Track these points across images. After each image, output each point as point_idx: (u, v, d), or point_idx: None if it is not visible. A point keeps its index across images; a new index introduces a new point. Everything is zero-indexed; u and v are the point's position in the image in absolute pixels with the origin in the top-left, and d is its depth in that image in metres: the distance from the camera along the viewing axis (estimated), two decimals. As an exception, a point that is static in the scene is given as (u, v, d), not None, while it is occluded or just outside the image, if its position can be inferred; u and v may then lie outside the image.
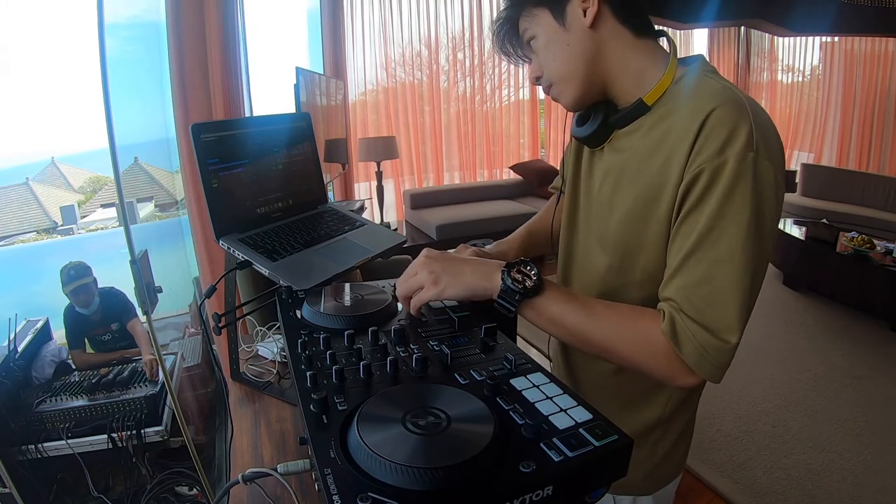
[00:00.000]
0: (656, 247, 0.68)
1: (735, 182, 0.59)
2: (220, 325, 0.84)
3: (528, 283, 0.63)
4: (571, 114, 0.81)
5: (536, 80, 0.75)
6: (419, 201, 4.57)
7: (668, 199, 0.65)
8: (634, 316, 0.65)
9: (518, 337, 1.44)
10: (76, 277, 2.04)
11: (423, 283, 0.65)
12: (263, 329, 1.26)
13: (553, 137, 5.70)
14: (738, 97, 0.62)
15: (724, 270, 0.59)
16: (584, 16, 0.67)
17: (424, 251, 0.68)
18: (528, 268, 0.64)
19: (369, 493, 0.37)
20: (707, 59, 0.73)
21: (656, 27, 0.72)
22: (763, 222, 0.60)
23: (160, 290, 1.70)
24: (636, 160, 0.70)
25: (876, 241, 3.46)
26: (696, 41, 6.26)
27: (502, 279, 0.63)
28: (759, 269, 0.61)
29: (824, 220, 3.97)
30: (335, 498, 0.37)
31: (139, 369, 1.97)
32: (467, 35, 5.03)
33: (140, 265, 1.46)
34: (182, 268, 2.37)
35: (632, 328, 0.64)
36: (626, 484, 0.83)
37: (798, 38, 6.21)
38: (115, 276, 2.17)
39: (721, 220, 0.59)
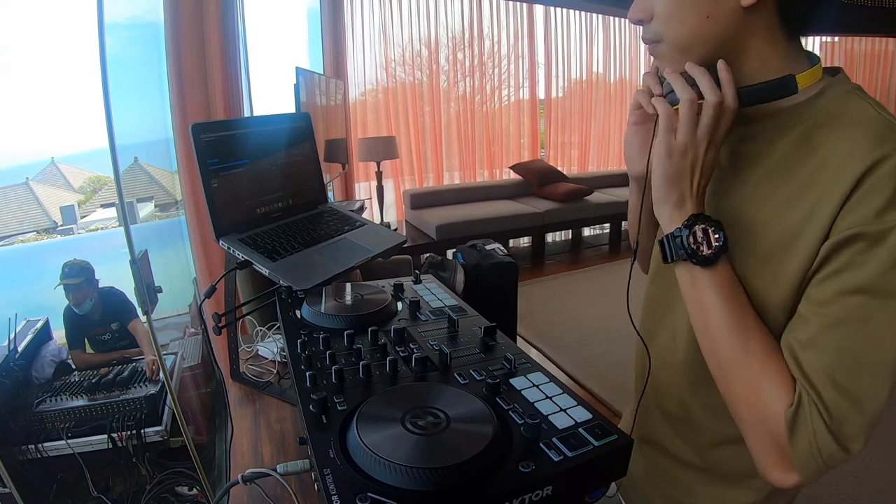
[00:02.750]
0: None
1: None
2: (220, 325, 0.84)
3: (704, 249, 0.54)
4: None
5: (637, 21, 0.60)
6: (419, 201, 4.57)
7: (801, 249, 0.53)
8: (776, 369, 0.52)
9: (518, 337, 1.44)
10: (68, 275, 2.05)
11: (662, 146, 0.55)
12: (263, 329, 1.26)
13: (553, 137, 5.71)
14: None
15: (875, 353, 0.49)
16: None
17: (687, 133, 0.55)
18: (716, 233, 0.54)
19: (368, 494, 0.37)
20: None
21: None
22: None
23: (160, 290, 1.70)
24: (777, 167, 0.58)
25: (876, 241, 3.45)
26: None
27: (684, 224, 0.55)
28: None
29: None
30: (334, 498, 0.37)
31: (139, 369, 1.97)
32: (467, 35, 5.03)
33: (140, 265, 1.46)
34: (182, 268, 2.37)
35: (758, 380, 0.53)
36: None
37: (798, 38, 6.21)
38: (115, 276, 2.17)
39: (878, 297, 0.49)
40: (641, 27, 0.60)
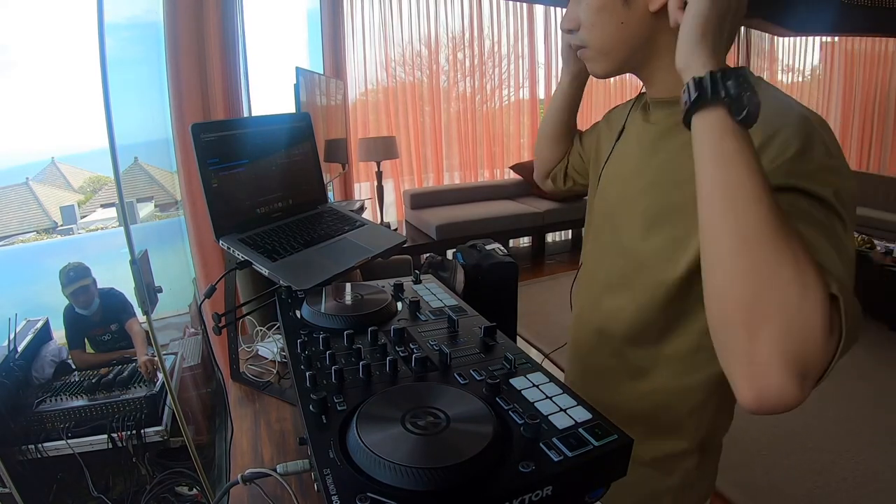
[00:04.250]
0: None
1: (835, 184, 0.52)
2: (220, 325, 0.84)
3: (738, 90, 0.47)
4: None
5: (567, 31, 0.70)
6: (419, 201, 4.57)
7: None
8: (807, 253, 0.45)
9: (518, 337, 1.44)
10: (76, 279, 2.04)
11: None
12: (263, 329, 1.26)
13: (553, 137, 5.70)
14: (809, 112, 0.57)
15: (846, 258, 0.51)
16: None
17: None
18: (748, 83, 0.48)
19: (368, 494, 0.37)
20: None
21: None
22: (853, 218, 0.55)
23: (160, 290, 1.70)
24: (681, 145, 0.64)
25: (876, 241, 3.46)
26: (696, 41, 6.26)
27: (718, 70, 0.48)
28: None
29: (824, 220, 3.96)
30: (334, 498, 0.37)
31: (139, 370, 1.97)
32: (467, 35, 5.03)
33: (140, 265, 1.46)
34: (182, 268, 2.37)
35: (800, 246, 0.45)
36: None
37: (798, 38, 6.21)
38: (115, 276, 2.17)
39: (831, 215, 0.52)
40: (569, 36, 0.71)
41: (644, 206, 0.71)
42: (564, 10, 0.71)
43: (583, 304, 0.87)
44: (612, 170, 0.81)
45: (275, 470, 0.53)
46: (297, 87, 2.23)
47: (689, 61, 0.52)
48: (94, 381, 1.91)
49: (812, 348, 0.43)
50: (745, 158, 0.47)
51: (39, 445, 1.73)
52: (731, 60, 0.61)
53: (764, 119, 0.50)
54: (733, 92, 0.47)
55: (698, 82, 0.49)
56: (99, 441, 1.77)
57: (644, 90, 0.76)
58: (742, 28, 6.28)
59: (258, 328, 1.27)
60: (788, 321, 0.43)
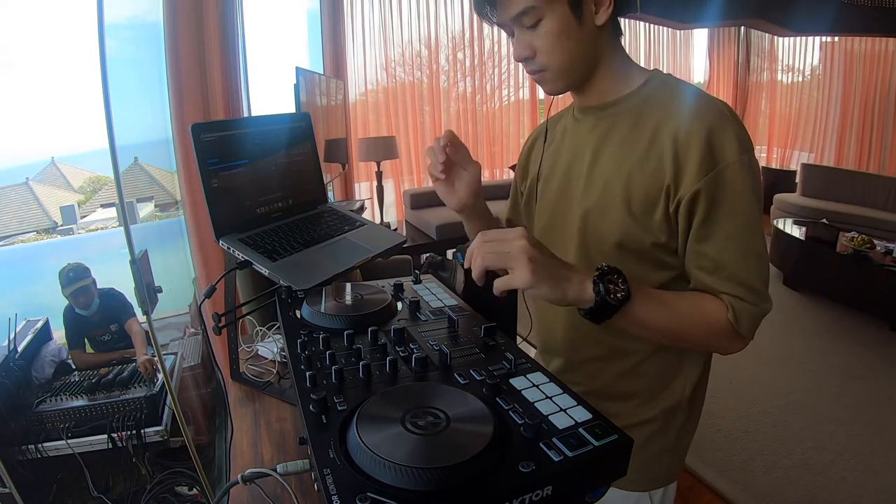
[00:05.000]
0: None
1: (742, 182, 0.66)
2: (220, 325, 0.84)
3: (620, 293, 0.62)
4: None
5: (524, 60, 0.74)
6: (419, 201, 4.57)
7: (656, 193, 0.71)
8: (701, 305, 0.70)
9: (518, 337, 1.44)
10: (75, 280, 2.04)
11: (518, 267, 0.58)
12: (263, 329, 1.26)
13: (553, 137, 5.70)
14: (716, 103, 0.69)
15: (753, 253, 0.68)
16: (596, 13, 0.69)
17: (522, 232, 0.60)
18: (616, 276, 0.62)
19: (368, 494, 0.37)
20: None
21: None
22: (760, 197, 0.70)
23: (160, 290, 1.70)
24: (625, 139, 0.74)
25: (876, 241, 3.46)
26: (696, 41, 6.26)
27: (596, 292, 0.61)
28: (763, 230, 0.70)
29: (824, 220, 3.96)
30: (334, 498, 0.37)
31: (138, 370, 1.97)
32: (467, 35, 5.03)
33: (140, 265, 1.46)
34: (182, 268, 2.37)
35: (702, 316, 0.69)
36: (657, 475, 0.87)
37: (798, 38, 6.21)
38: (115, 276, 2.17)
39: (740, 216, 0.67)
40: (525, 63, 0.74)
41: (580, 199, 0.79)
42: (516, 35, 0.74)
43: (542, 306, 0.92)
44: (548, 171, 0.88)
45: (275, 470, 0.53)
46: (297, 87, 2.23)
47: (566, 302, 0.62)
48: (94, 381, 1.91)
49: (730, 346, 0.72)
50: (648, 316, 0.66)
51: (39, 445, 1.73)
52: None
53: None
54: (612, 300, 0.61)
55: (591, 313, 0.62)
56: (99, 441, 1.77)
57: (573, 102, 0.85)
58: (742, 28, 6.28)
59: (258, 328, 1.27)
60: (708, 346, 0.77)
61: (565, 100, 0.86)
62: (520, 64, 0.76)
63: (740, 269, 0.68)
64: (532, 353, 0.70)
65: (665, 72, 0.77)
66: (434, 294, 0.78)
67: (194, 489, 1.83)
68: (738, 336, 0.70)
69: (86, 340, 2.19)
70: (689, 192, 0.67)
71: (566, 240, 0.82)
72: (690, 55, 6.29)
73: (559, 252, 0.80)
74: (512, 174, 5.06)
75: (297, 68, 2.25)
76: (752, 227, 0.68)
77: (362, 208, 3.27)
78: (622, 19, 0.76)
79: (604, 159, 0.76)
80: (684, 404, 0.84)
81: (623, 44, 0.77)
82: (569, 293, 0.61)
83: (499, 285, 0.60)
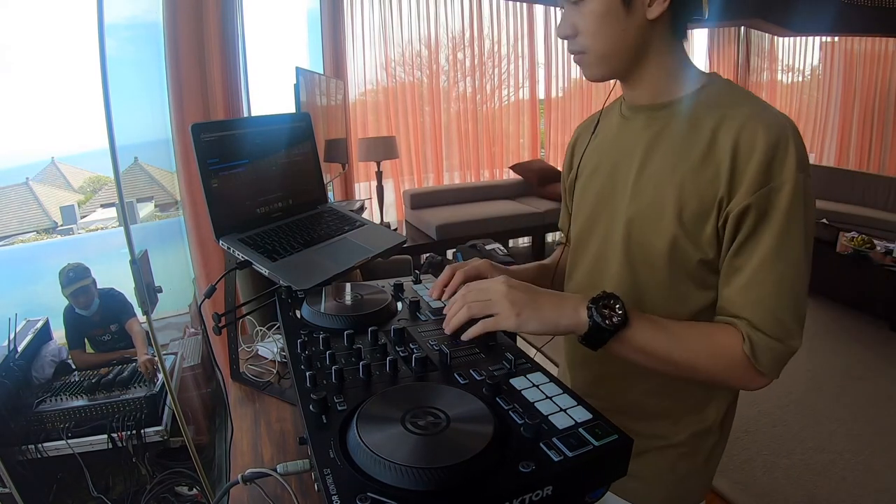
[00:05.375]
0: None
1: (793, 204, 0.62)
2: (220, 325, 0.84)
3: (615, 318, 0.61)
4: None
5: (565, 37, 0.71)
6: (419, 201, 4.57)
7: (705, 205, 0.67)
8: (711, 334, 0.67)
9: (518, 337, 1.44)
10: (75, 280, 2.04)
11: (501, 311, 0.61)
12: (263, 329, 1.26)
13: (553, 137, 5.70)
14: (782, 117, 0.65)
15: (788, 284, 0.64)
16: (649, 7, 0.66)
17: (502, 278, 0.64)
18: (613, 301, 0.62)
19: (368, 494, 0.37)
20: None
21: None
22: (811, 231, 0.65)
23: (160, 290, 1.70)
24: (677, 144, 0.70)
25: (876, 241, 3.46)
26: (696, 41, 6.26)
27: (590, 317, 0.61)
28: (809, 273, 0.65)
29: (824, 220, 3.96)
30: (334, 498, 0.37)
31: (139, 370, 1.97)
32: (467, 35, 5.03)
33: (140, 265, 1.46)
34: (182, 268, 2.37)
35: (712, 347, 0.66)
36: (685, 497, 0.85)
37: (798, 38, 6.21)
38: (115, 276, 2.17)
39: (785, 240, 0.63)
40: (567, 43, 0.71)
41: (627, 205, 0.74)
42: (564, 10, 0.71)
43: None
44: (589, 170, 0.83)
45: (275, 470, 0.53)
46: (297, 87, 2.23)
47: (562, 329, 0.63)
48: (94, 381, 1.91)
49: (749, 382, 0.67)
50: (650, 343, 0.64)
51: (39, 445, 1.73)
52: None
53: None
54: (609, 326, 0.61)
55: (587, 340, 0.63)
56: (99, 441, 1.77)
57: (623, 97, 0.80)
58: (742, 28, 6.28)
59: (258, 328, 1.27)
60: (724, 380, 0.71)
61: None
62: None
63: (771, 296, 0.64)
64: (555, 371, 0.69)
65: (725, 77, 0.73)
66: (434, 294, 0.78)
67: (194, 489, 1.83)
68: (757, 372, 0.65)
69: (86, 340, 2.19)
70: (740, 206, 0.63)
71: (609, 247, 0.78)
72: (690, 55, 6.21)
73: (599, 259, 0.80)
74: (512, 174, 5.07)
75: (297, 68, 2.25)
76: (796, 260, 0.63)
77: (362, 208, 3.27)
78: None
79: (655, 163, 0.71)
80: (715, 428, 0.81)
81: (686, 48, 0.73)
82: (561, 322, 0.62)
83: (487, 326, 0.62)
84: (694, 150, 0.67)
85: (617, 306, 0.62)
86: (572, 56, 0.72)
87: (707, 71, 0.75)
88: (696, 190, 0.66)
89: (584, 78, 0.83)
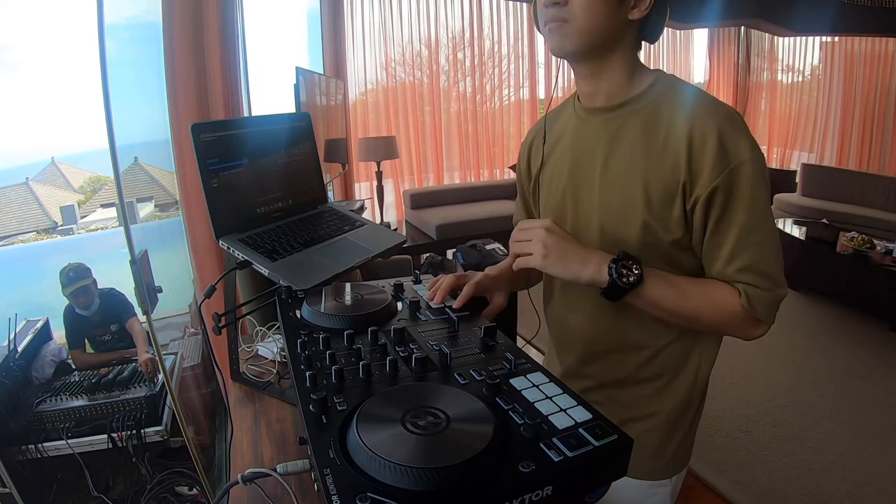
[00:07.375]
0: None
1: (755, 177, 0.70)
2: (220, 325, 0.84)
3: (632, 277, 0.69)
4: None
5: (554, 4, 0.72)
6: (419, 201, 4.57)
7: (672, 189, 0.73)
8: (714, 290, 0.75)
9: (518, 337, 1.44)
10: (76, 279, 2.04)
11: (534, 250, 0.70)
12: (263, 329, 1.26)
13: (553, 137, 5.70)
14: (723, 105, 0.73)
15: (768, 245, 0.73)
16: (632, 9, 0.71)
17: (547, 222, 0.71)
18: (631, 262, 0.70)
19: (368, 494, 0.37)
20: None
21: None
22: (769, 195, 0.74)
23: (160, 290, 1.70)
24: (638, 139, 0.76)
25: (876, 241, 3.46)
26: (696, 41, 6.26)
27: (609, 274, 0.69)
28: (776, 228, 0.75)
29: (824, 220, 3.96)
30: (334, 498, 0.37)
31: (139, 369, 1.97)
32: (467, 35, 5.03)
33: (140, 265, 1.46)
34: (182, 268, 2.37)
35: (715, 302, 0.74)
36: (677, 461, 0.90)
37: (798, 38, 6.21)
38: (115, 276, 2.17)
39: (755, 210, 0.71)
40: (553, 7, 0.72)
41: (598, 199, 0.80)
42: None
43: (557, 304, 0.93)
44: (552, 171, 0.88)
45: (275, 470, 0.53)
46: (297, 86, 2.23)
47: (583, 280, 0.71)
48: (94, 381, 1.91)
49: (750, 331, 0.76)
50: (661, 297, 0.72)
51: (39, 445, 1.73)
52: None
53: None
54: (624, 283, 0.69)
55: (607, 293, 0.71)
56: (99, 441, 1.77)
57: (576, 97, 0.85)
58: (742, 28, 6.28)
59: (258, 328, 1.27)
60: (726, 329, 0.79)
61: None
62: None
63: (756, 259, 0.72)
64: (540, 358, 0.71)
65: (668, 72, 0.79)
66: (434, 294, 0.77)
67: (194, 489, 1.83)
68: (757, 321, 0.74)
69: (86, 340, 2.19)
70: (707, 190, 0.70)
71: (583, 240, 0.81)
72: (690, 55, 6.28)
73: None
74: (512, 174, 5.07)
75: (297, 68, 2.24)
76: (766, 218, 0.72)
77: (362, 208, 3.27)
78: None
79: (617, 161, 0.77)
80: (695, 400, 0.88)
81: (639, 56, 0.79)
82: (583, 275, 0.70)
83: (518, 263, 0.72)
84: (653, 145, 0.73)
85: (634, 266, 0.70)
86: (549, 24, 0.73)
87: (652, 68, 0.80)
88: (659, 178, 0.73)
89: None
